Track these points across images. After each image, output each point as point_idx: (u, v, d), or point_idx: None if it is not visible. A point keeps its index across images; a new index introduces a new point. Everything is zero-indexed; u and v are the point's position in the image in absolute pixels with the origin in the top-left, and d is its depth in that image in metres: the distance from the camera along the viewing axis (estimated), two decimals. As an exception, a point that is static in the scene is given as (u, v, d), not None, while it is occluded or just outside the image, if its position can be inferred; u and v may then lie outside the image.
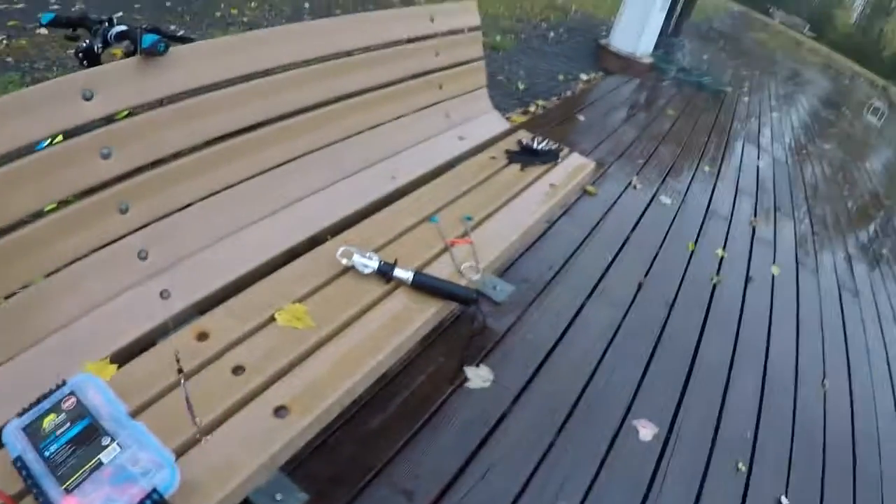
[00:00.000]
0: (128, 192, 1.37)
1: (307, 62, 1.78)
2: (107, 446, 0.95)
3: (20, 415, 0.99)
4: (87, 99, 1.28)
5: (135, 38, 1.40)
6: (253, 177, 1.63)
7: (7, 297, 1.20)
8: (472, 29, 2.45)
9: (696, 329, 2.76)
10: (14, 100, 1.19)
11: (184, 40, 1.56)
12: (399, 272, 1.52)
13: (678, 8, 7.80)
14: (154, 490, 0.89)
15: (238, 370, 1.23)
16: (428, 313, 1.49)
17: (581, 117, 4.75)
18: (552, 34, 7.20)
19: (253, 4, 5.43)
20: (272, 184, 1.68)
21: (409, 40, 2.14)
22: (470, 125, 2.36)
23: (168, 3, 5.04)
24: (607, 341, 2.44)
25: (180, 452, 1.03)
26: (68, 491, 0.89)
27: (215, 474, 1.02)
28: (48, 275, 1.25)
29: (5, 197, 1.17)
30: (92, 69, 1.35)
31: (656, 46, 6.94)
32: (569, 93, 5.30)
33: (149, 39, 1.36)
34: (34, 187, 1.21)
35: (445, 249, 1.71)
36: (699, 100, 6.69)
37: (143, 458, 0.94)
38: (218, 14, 5.03)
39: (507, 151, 2.28)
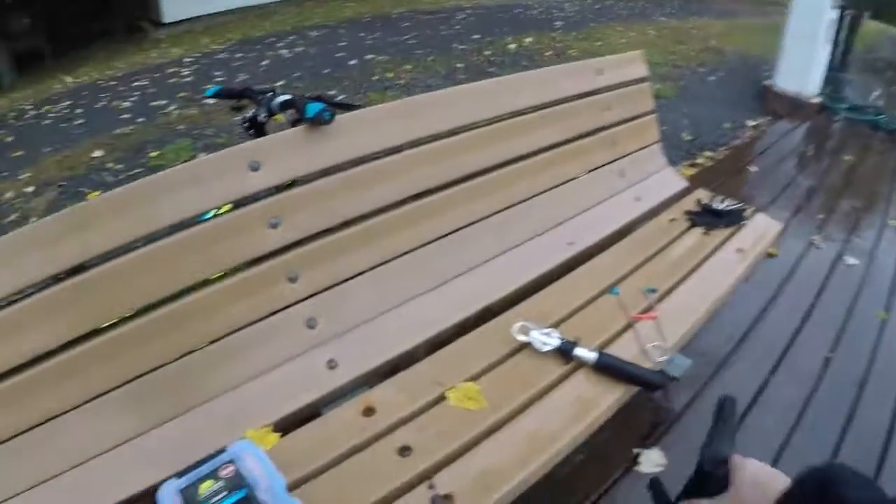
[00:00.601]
0: (297, 262, 1.36)
1: (474, 125, 1.72)
2: (261, 521, 0.90)
3: (178, 476, 0.98)
4: (255, 170, 1.29)
5: (299, 107, 1.40)
6: (421, 246, 1.58)
7: (175, 360, 1.21)
8: (640, 80, 2.31)
9: (890, 414, 2.40)
10: (186, 171, 1.22)
11: (348, 107, 1.54)
12: (581, 351, 1.39)
13: (841, 40, 7.21)
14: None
15: (405, 451, 1.15)
16: (611, 399, 1.34)
17: (753, 168, 4.44)
18: (712, 78, 6.87)
19: (408, 67, 5.59)
20: (441, 253, 1.62)
21: (579, 96, 2.05)
22: (646, 184, 2.21)
23: (326, 71, 5.30)
24: (792, 423, 2.16)
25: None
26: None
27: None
28: (215, 340, 1.25)
29: (174, 265, 1.19)
30: (258, 140, 1.37)
31: (824, 84, 6.42)
32: (737, 141, 5.00)
33: (313, 108, 1.36)
34: (202, 256, 1.23)
35: (629, 326, 1.56)
36: (876, 142, 6.06)
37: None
38: (375, 78, 5.23)
39: (688, 213, 2.10)
